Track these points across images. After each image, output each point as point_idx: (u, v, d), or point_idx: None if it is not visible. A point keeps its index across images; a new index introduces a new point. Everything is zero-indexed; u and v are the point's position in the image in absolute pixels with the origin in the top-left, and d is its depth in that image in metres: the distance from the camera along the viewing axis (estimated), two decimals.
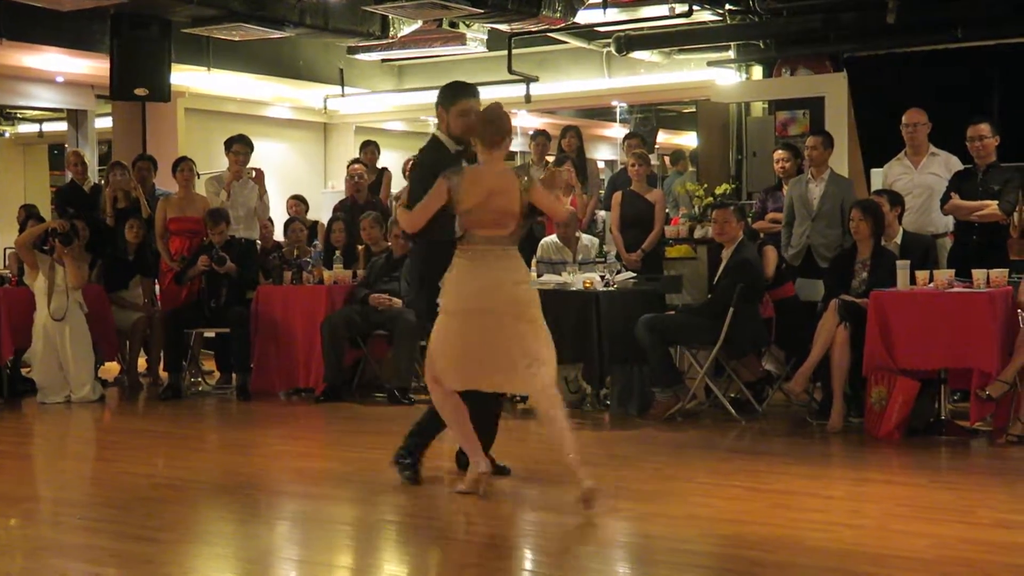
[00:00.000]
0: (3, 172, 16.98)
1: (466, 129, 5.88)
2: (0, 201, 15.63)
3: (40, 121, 16.97)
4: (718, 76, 12.29)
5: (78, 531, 5.38)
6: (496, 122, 5.72)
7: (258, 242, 10.31)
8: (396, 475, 6.02)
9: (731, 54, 12.12)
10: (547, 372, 5.64)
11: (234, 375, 9.65)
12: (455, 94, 6.05)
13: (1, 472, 6.84)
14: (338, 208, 10.63)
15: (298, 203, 11.49)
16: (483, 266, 5.67)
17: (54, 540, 5.22)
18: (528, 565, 4.83)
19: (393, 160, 11.93)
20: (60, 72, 12.65)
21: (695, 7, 11.00)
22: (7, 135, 17.56)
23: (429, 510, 5.65)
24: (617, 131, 14.60)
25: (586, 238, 9.34)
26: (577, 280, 8.41)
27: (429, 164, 5.94)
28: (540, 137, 10.90)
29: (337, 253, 9.82)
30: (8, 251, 10.82)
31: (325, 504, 5.80)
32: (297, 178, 14.55)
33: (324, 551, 5.06)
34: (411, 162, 6.15)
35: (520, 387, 5.94)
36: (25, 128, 17.48)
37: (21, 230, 10.12)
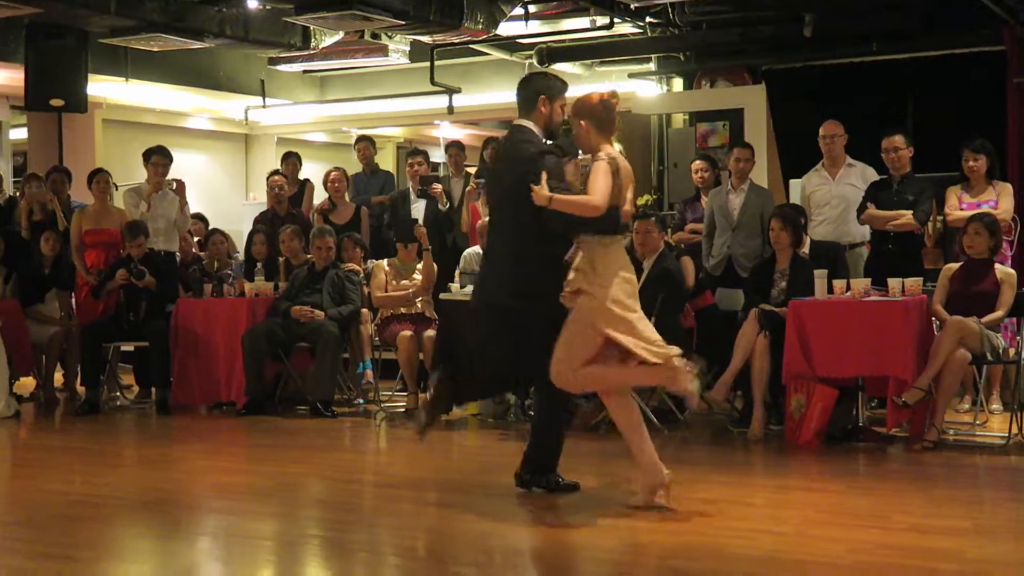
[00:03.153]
0: None
1: (563, 121, 5.80)
2: None
3: None
4: (639, 88, 12.38)
5: None
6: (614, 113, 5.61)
7: (178, 255, 10.19)
8: (319, 489, 5.97)
9: (652, 66, 12.23)
10: None
11: (153, 389, 9.52)
12: (562, 87, 5.87)
13: None
14: (259, 220, 10.55)
15: (197, 220, 11.37)
16: (620, 253, 5.58)
17: None
18: None
19: (315, 171, 11.85)
20: None
21: (616, 20, 11.07)
22: None
23: (353, 524, 5.61)
24: None
25: None
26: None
27: (553, 153, 5.75)
28: (453, 148, 10.89)
29: (258, 265, 9.74)
30: None
31: (247, 519, 5.74)
32: (218, 190, 14.41)
33: (246, 567, 5.00)
34: (503, 153, 5.89)
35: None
36: None
37: None
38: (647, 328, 5.55)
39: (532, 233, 5.64)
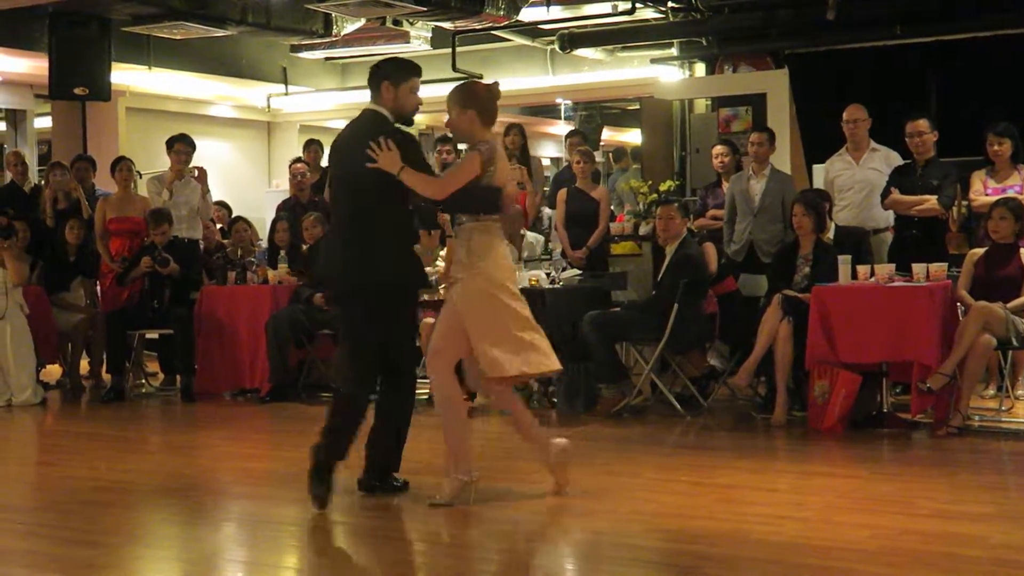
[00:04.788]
0: None
1: (417, 105, 5.70)
2: None
3: None
4: (661, 73, 12.34)
5: (19, 536, 5.31)
6: (496, 102, 5.62)
7: (201, 242, 10.23)
8: (342, 475, 5.97)
9: (674, 51, 12.19)
10: None
11: (178, 376, 9.57)
12: (407, 70, 5.75)
13: None
14: (281, 207, 10.57)
15: (220, 208, 11.39)
16: (497, 241, 5.58)
17: None
18: (475, 563, 4.82)
19: None
20: None
21: (638, 5, 11.04)
22: None
23: (376, 510, 5.62)
24: (561, 128, 14.61)
25: (531, 236, 9.35)
26: (522, 278, 8.42)
27: (408, 138, 5.67)
28: None
29: (282, 253, 9.76)
30: None
31: (270, 505, 5.77)
32: (240, 177, 14.45)
33: (270, 552, 5.03)
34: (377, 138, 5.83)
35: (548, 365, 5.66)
36: None
37: None
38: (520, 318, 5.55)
39: (372, 222, 5.56)
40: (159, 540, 5.33)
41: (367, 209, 5.53)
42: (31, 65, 11.79)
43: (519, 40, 12.41)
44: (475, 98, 5.59)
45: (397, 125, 5.64)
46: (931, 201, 8.00)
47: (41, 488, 6.43)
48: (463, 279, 5.50)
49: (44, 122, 13.49)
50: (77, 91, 11.01)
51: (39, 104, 13.28)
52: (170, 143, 10.02)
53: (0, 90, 13.02)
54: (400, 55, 13.00)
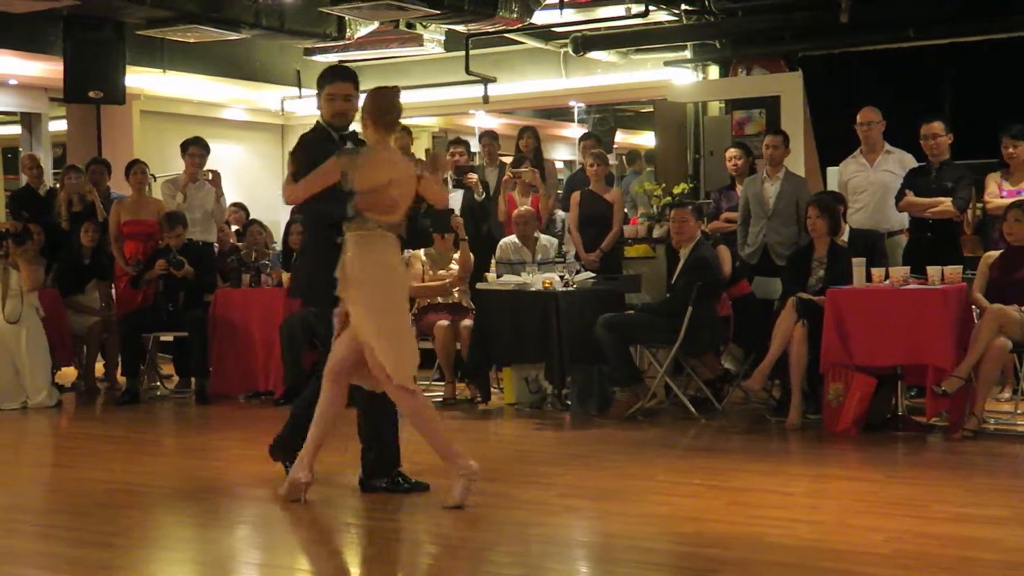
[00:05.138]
0: None
1: (335, 113, 5.89)
2: None
3: None
4: (675, 76, 12.32)
5: (35, 538, 5.33)
6: (393, 106, 5.65)
7: (215, 245, 10.25)
8: (356, 478, 5.99)
9: (687, 54, 12.16)
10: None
11: (192, 379, 9.59)
12: (324, 78, 5.99)
13: None
14: (296, 210, 10.55)
15: (238, 210, 11.42)
16: (377, 250, 5.58)
17: (10, 547, 5.16)
18: (488, 566, 4.82)
19: None
20: (13, 75, 12.49)
21: (651, 7, 11.02)
22: None
23: (391, 512, 5.63)
24: (575, 131, 14.59)
25: (545, 238, 9.35)
26: (536, 280, 8.43)
27: (312, 143, 5.87)
28: (485, 138, 10.91)
29: (296, 255, 9.76)
30: None
31: (284, 508, 5.77)
32: (254, 180, 14.46)
33: (284, 555, 5.04)
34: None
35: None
36: None
37: None
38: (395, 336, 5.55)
39: (310, 228, 5.99)
40: (174, 542, 5.34)
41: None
42: (46, 69, 11.82)
43: (532, 43, 12.40)
44: (366, 105, 5.69)
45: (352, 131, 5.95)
46: (946, 203, 7.98)
47: (56, 490, 6.45)
48: (347, 295, 5.55)
49: (59, 125, 13.53)
50: (92, 94, 11.03)
51: (54, 107, 13.31)
52: (184, 146, 10.05)
53: (15, 93, 13.05)
54: (413, 58, 13.17)
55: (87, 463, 7.15)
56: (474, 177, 10.24)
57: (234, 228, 10.94)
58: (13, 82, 12.75)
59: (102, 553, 4.96)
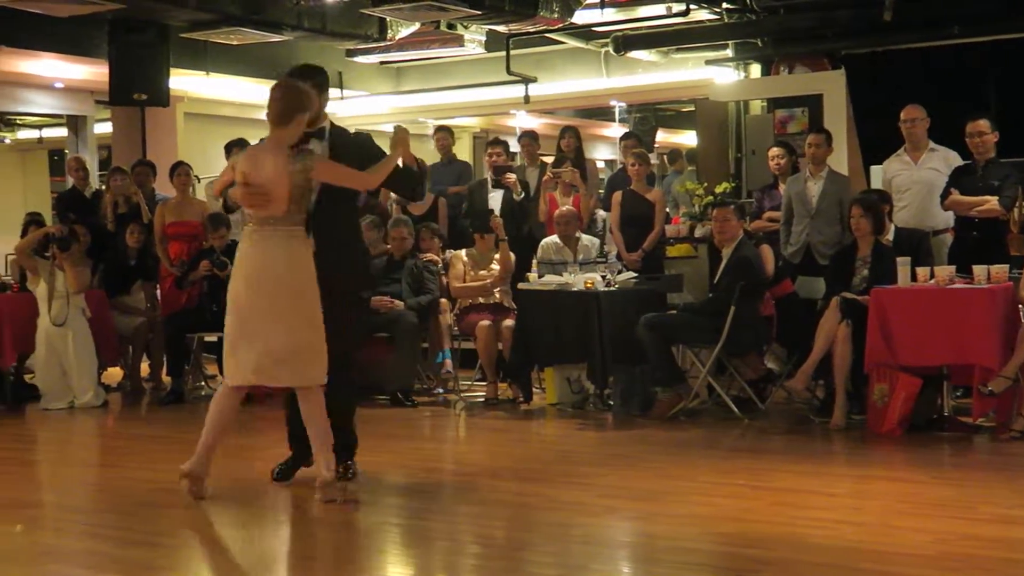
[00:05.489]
0: (3, 178, 16.98)
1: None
2: (0, 207, 15.63)
3: (40, 127, 16.97)
4: (716, 75, 12.28)
5: (81, 537, 5.39)
6: (277, 101, 5.69)
7: None
8: (399, 478, 6.02)
9: (729, 52, 12.12)
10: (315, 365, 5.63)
11: None
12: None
13: (4, 478, 6.84)
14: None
15: None
16: (242, 244, 5.66)
17: (57, 546, 5.22)
18: (529, 566, 4.82)
19: None
20: (59, 78, 12.65)
21: (692, 6, 10.99)
22: (7, 141, 17.56)
23: (433, 512, 5.65)
24: (616, 131, 14.57)
25: (586, 238, 9.35)
26: (578, 280, 8.42)
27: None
28: (525, 139, 10.93)
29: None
30: (9, 258, 10.82)
31: (327, 507, 5.80)
32: None
33: (327, 554, 5.07)
34: None
35: (287, 379, 5.73)
36: (25, 134, 17.48)
37: (23, 236, 10.12)
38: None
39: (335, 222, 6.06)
40: (217, 541, 5.38)
41: None
42: (91, 72, 11.95)
43: (573, 43, 12.40)
44: None
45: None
46: (991, 202, 7.90)
47: (102, 489, 6.52)
48: None
49: (104, 128, 13.67)
50: (136, 97, 11.14)
51: (99, 110, 13.47)
52: (228, 148, 10.11)
53: (61, 96, 13.22)
54: (454, 58, 13.19)
55: (133, 463, 7.21)
56: (512, 177, 10.25)
57: None
58: (59, 85, 12.91)
59: (147, 552, 5.01)
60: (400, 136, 6.07)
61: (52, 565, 4.88)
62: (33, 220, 10.40)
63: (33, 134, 17.30)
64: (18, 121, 16.82)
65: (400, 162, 6.02)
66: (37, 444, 8.44)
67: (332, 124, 6.16)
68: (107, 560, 4.92)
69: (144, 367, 10.36)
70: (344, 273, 5.94)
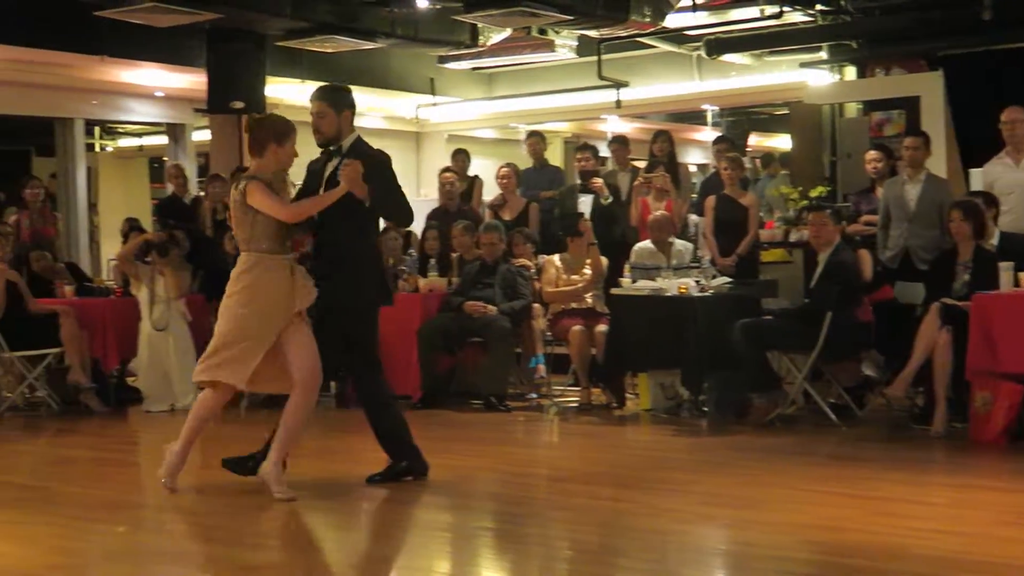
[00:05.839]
0: (105, 185, 17.35)
1: (312, 130, 6.56)
2: (102, 213, 15.99)
3: (140, 135, 17.32)
4: (810, 77, 12.15)
5: (183, 538, 5.51)
6: (249, 133, 6.22)
7: None
8: (492, 482, 6.05)
9: (823, 55, 11.98)
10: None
11: (332, 383, 9.75)
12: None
13: (108, 480, 7.00)
14: (431, 216, 10.71)
15: None
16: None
17: (160, 547, 5.33)
18: (624, 573, 4.82)
19: (483, 168, 11.98)
20: (159, 87, 12.91)
21: (785, 8, 10.89)
22: (109, 150, 17.96)
23: (527, 517, 5.67)
24: (708, 135, 14.50)
25: (679, 243, 9.30)
26: (672, 285, 8.39)
27: (312, 162, 6.65)
28: (615, 143, 10.94)
29: (431, 261, 9.89)
30: (112, 263, 11.07)
31: (422, 511, 5.86)
32: None
33: (423, 557, 5.11)
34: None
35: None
36: (126, 142, 17.85)
37: (124, 242, 10.35)
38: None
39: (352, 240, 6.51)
40: (316, 543, 5.46)
41: None
42: (190, 80, 12.18)
43: (665, 47, 12.36)
44: None
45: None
46: None
47: (203, 491, 6.62)
48: None
49: (203, 135, 13.91)
50: (234, 105, 11.32)
51: (198, 118, 13.70)
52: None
53: (161, 105, 13.48)
54: (545, 64, 13.21)
55: None
56: (599, 182, 10.26)
57: (392, 230, 11.04)
58: (159, 94, 13.17)
59: (249, 554, 5.09)
60: (346, 173, 6.17)
61: (156, 566, 4.98)
62: (133, 226, 10.64)
63: (134, 142, 17.67)
64: (119, 129, 17.19)
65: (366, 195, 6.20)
66: (139, 446, 8.62)
67: (356, 142, 6.36)
68: (208, 561, 5.02)
69: None
70: (349, 290, 6.19)
